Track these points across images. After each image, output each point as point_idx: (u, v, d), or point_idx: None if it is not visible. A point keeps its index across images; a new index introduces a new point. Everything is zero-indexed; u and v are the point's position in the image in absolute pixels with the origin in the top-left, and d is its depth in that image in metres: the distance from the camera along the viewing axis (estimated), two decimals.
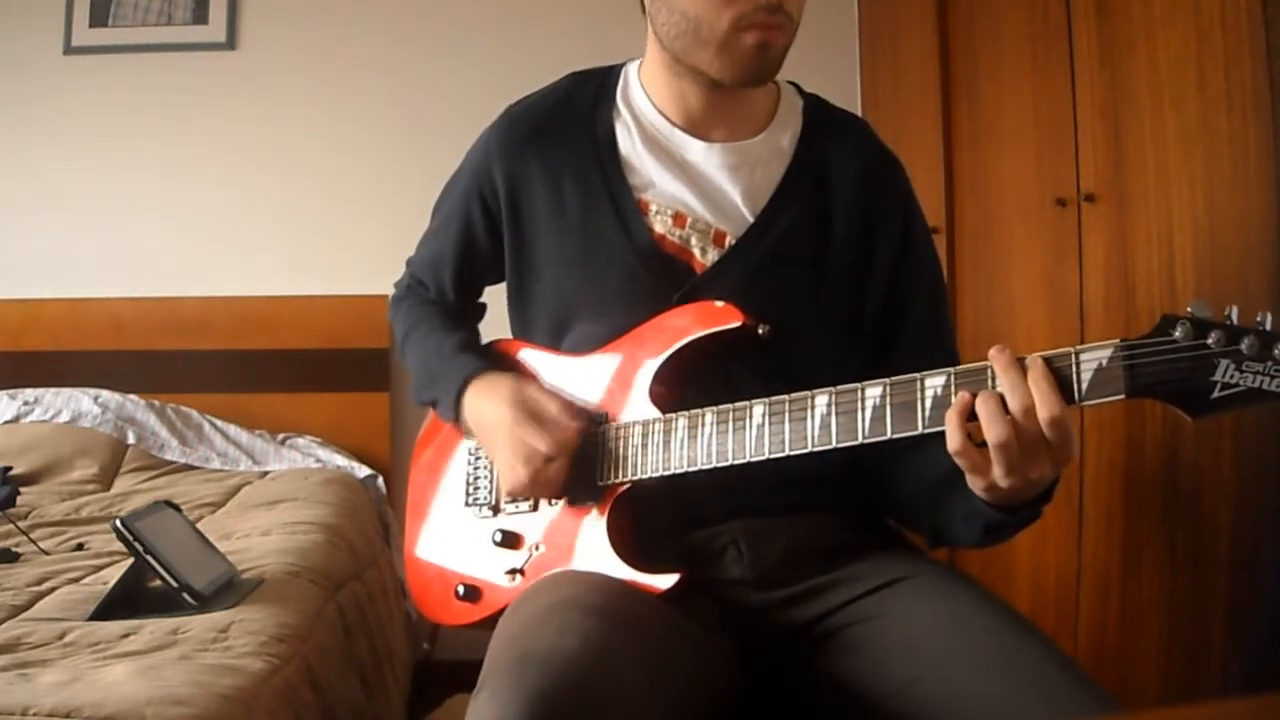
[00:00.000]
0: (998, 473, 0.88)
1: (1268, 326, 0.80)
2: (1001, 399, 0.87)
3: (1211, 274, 1.52)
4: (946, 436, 0.88)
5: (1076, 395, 0.85)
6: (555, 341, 1.19)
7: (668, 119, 1.15)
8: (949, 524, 1.03)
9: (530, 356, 1.21)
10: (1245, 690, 1.44)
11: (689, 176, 1.13)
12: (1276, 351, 0.79)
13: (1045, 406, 0.85)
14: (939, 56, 2.31)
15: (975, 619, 0.97)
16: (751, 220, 1.12)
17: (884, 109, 2.67)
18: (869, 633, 1.01)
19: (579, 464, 1.10)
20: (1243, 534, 1.50)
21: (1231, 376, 0.81)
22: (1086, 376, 0.85)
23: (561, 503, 1.11)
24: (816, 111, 1.18)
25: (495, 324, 1.33)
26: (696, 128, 1.14)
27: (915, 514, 1.09)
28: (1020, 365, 0.87)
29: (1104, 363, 0.84)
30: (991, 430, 0.86)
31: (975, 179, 2.22)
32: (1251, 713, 0.66)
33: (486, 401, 1.14)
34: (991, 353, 0.88)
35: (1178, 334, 0.82)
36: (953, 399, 0.89)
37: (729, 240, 1.12)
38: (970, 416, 0.88)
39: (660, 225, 1.13)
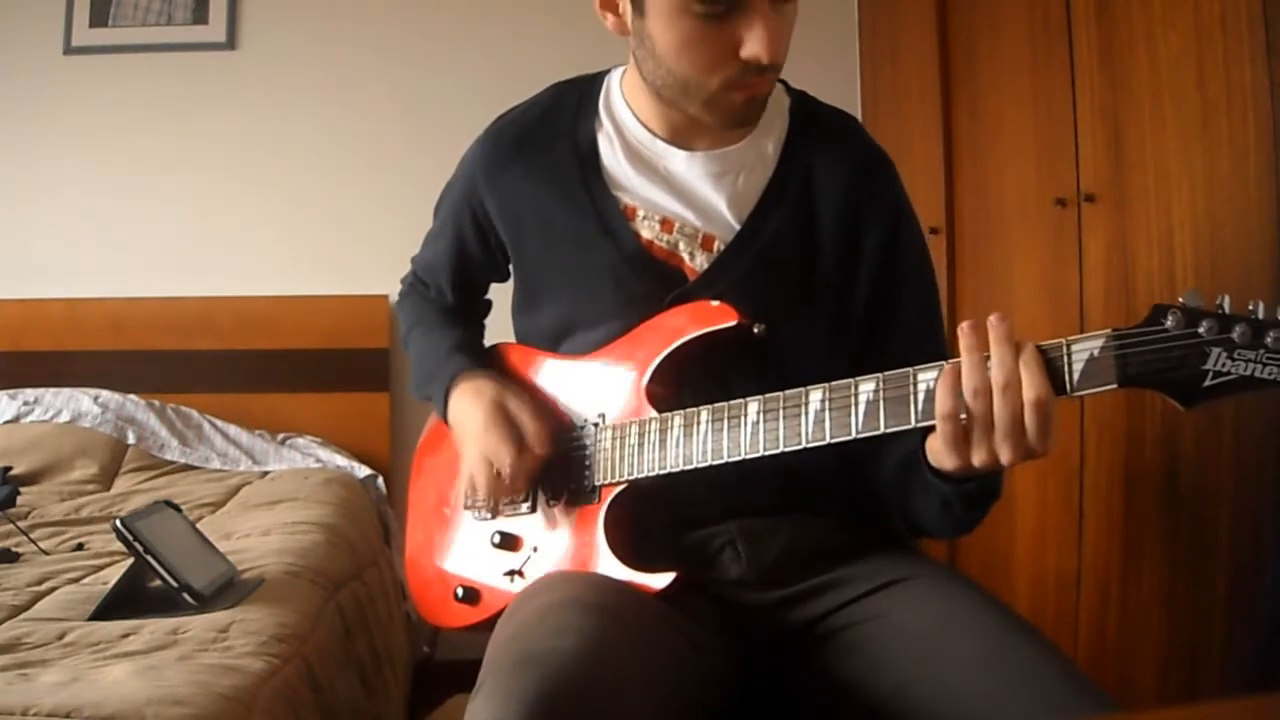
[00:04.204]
0: (974, 439, 0.87)
1: (1260, 315, 0.80)
2: (988, 360, 0.86)
3: (1211, 274, 1.51)
4: (936, 399, 0.88)
5: (1068, 386, 0.85)
6: (554, 348, 1.19)
7: (649, 130, 1.14)
8: (911, 502, 1.03)
9: (528, 359, 1.21)
10: (1245, 690, 1.44)
11: (672, 186, 1.13)
12: (1268, 339, 0.79)
13: (1032, 388, 0.84)
14: (939, 56, 2.31)
15: (974, 620, 0.97)
16: (738, 227, 1.11)
17: (884, 109, 2.67)
18: (868, 633, 1.01)
19: (575, 465, 1.11)
20: (1243, 534, 1.50)
21: (1223, 365, 0.80)
22: (1078, 367, 0.85)
23: (560, 504, 1.12)
24: (803, 110, 1.17)
25: (499, 330, 1.33)
26: (679, 137, 1.13)
27: (887, 498, 1.09)
28: (1015, 343, 0.86)
29: (1095, 353, 0.84)
30: (971, 378, 0.86)
31: (975, 179, 2.22)
32: (1251, 713, 0.66)
33: (466, 403, 1.15)
34: (991, 319, 0.87)
35: (1169, 323, 0.82)
36: None
37: (717, 245, 1.11)
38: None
39: (648, 231, 1.12)
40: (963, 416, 0.87)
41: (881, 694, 0.96)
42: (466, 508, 1.20)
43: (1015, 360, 0.85)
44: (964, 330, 0.87)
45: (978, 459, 0.88)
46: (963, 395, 0.86)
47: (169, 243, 2.85)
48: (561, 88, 1.22)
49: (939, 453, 0.91)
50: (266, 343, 2.79)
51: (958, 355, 0.90)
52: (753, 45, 0.99)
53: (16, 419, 2.52)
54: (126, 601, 1.37)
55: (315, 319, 2.80)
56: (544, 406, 1.15)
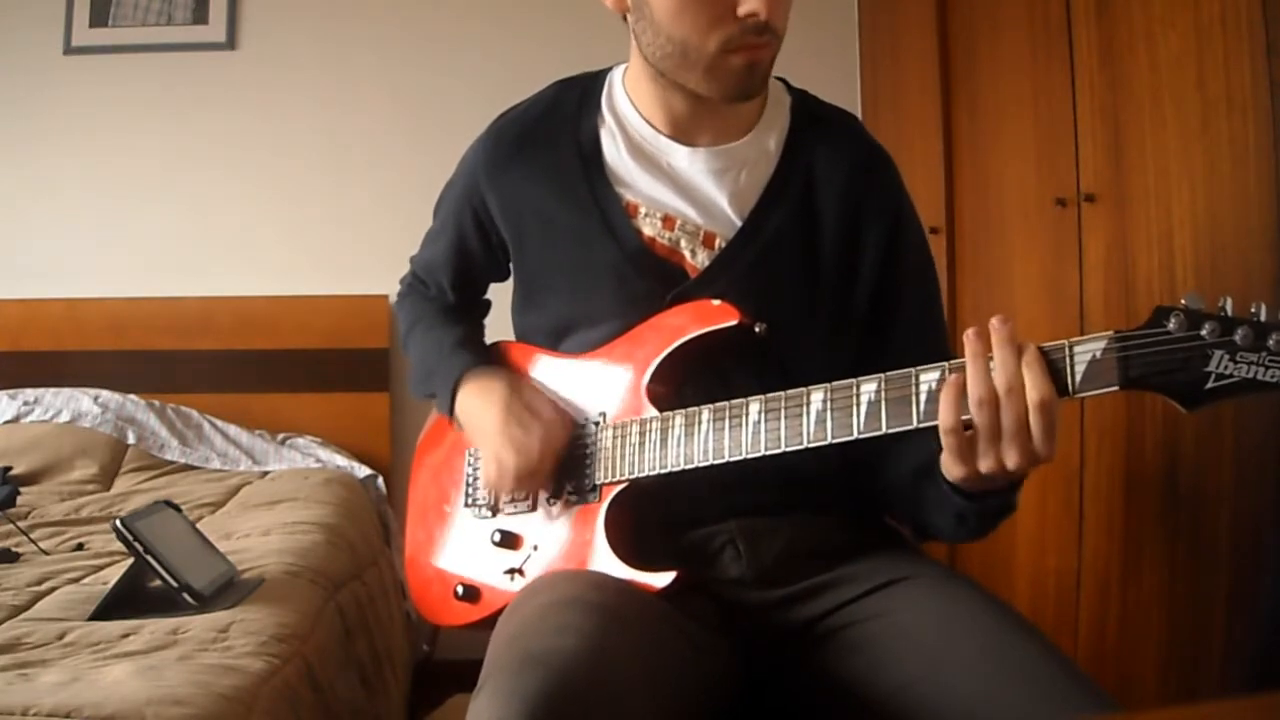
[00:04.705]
0: (980, 448, 0.87)
1: (1262, 317, 0.80)
2: (989, 370, 0.86)
3: (1211, 274, 1.52)
4: (939, 415, 0.88)
5: (1070, 387, 0.85)
6: (555, 347, 1.19)
7: (652, 125, 1.14)
8: (924, 511, 1.04)
9: (530, 357, 1.21)
10: (1245, 690, 1.44)
11: (675, 182, 1.13)
12: (1270, 342, 0.79)
13: (1035, 389, 0.84)
14: (939, 56, 2.31)
15: (975, 619, 0.97)
16: (739, 223, 1.11)
17: (884, 109, 2.67)
18: (868, 633, 1.01)
19: (576, 463, 1.11)
20: (1243, 535, 1.50)
21: (1225, 367, 0.80)
22: (1080, 368, 0.85)
23: (560, 502, 1.12)
24: (804, 109, 1.17)
25: (497, 329, 1.33)
26: (682, 133, 1.13)
27: (897, 503, 1.09)
28: (1017, 345, 0.86)
29: (1098, 354, 0.84)
30: (976, 388, 0.86)
31: (975, 179, 2.22)
32: (1251, 713, 0.66)
33: (478, 398, 1.15)
34: (993, 322, 0.87)
35: (1171, 325, 0.82)
36: None
37: (719, 242, 1.11)
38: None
39: (649, 228, 1.13)
40: (965, 418, 0.87)
41: (881, 693, 0.96)
42: (467, 506, 1.20)
43: (1018, 363, 0.85)
44: (969, 337, 0.88)
45: (984, 465, 0.88)
46: (967, 404, 0.86)
47: (169, 243, 2.84)
48: (563, 85, 1.22)
49: (945, 463, 0.91)
50: (266, 343, 2.79)
51: (959, 355, 0.90)
52: (750, 2, 0.99)
53: (16, 419, 2.52)
54: (126, 601, 1.37)
55: (315, 319, 2.80)
56: (554, 398, 1.15)
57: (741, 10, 1.00)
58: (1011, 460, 0.87)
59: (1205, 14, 1.51)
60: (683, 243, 1.12)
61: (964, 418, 0.88)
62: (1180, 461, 1.61)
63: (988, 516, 0.98)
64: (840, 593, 1.05)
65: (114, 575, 1.48)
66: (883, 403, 0.92)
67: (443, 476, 1.26)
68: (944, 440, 0.88)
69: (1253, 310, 0.80)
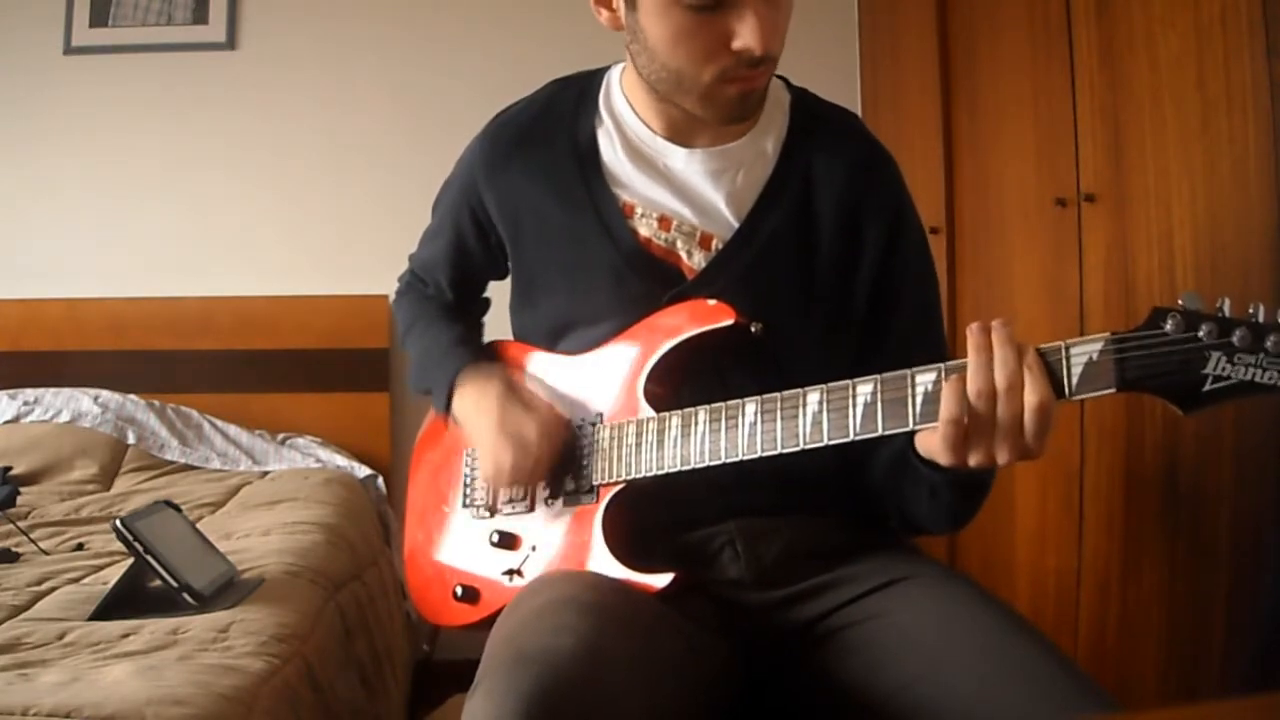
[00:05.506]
0: (972, 440, 0.87)
1: (1260, 318, 0.79)
2: (991, 364, 0.86)
3: (1211, 274, 1.51)
4: (943, 404, 0.87)
5: (1067, 389, 0.85)
6: (552, 346, 1.20)
7: (649, 127, 1.14)
8: (903, 497, 1.03)
9: (526, 356, 1.21)
10: (1245, 690, 1.44)
11: (672, 183, 1.13)
12: (1268, 343, 0.78)
13: (1035, 392, 0.84)
14: (939, 56, 2.31)
15: (974, 619, 0.97)
16: (736, 225, 1.11)
17: (884, 109, 2.67)
18: (867, 633, 1.01)
19: (574, 464, 1.11)
20: (1243, 534, 1.50)
21: (1223, 369, 0.80)
22: (1077, 370, 0.85)
23: (558, 503, 1.12)
24: (803, 108, 1.17)
25: (495, 329, 1.33)
26: (679, 135, 1.13)
27: (881, 493, 1.09)
28: (1018, 346, 0.86)
29: (1094, 356, 0.84)
30: (976, 379, 0.86)
31: (975, 179, 2.22)
32: (1251, 713, 0.66)
33: (475, 397, 1.15)
34: (995, 323, 0.87)
35: (1168, 327, 0.82)
36: None
37: (715, 243, 1.11)
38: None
39: (646, 229, 1.12)
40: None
41: (881, 694, 0.96)
42: (465, 506, 1.20)
43: (1019, 363, 0.85)
44: (973, 330, 0.88)
45: (974, 459, 0.88)
46: (967, 397, 0.86)
47: (169, 243, 2.85)
48: (560, 84, 1.22)
49: (935, 451, 0.91)
50: (266, 343, 2.79)
51: (958, 355, 0.90)
52: (745, 36, 0.98)
53: (16, 419, 2.52)
54: (126, 601, 1.37)
55: (315, 319, 2.80)
56: (550, 394, 1.15)
57: (736, 45, 0.99)
58: (1002, 456, 0.87)
59: (1205, 14, 1.51)
60: (679, 244, 1.12)
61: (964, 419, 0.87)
62: (1180, 461, 1.61)
63: (960, 491, 0.97)
64: (839, 593, 1.05)
65: (114, 575, 1.48)
66: (879, 404, 0.92)
67: (441, 477, 1.26)
68: (943, 430, 0.88)
69: (1250, 311, 0.80)
